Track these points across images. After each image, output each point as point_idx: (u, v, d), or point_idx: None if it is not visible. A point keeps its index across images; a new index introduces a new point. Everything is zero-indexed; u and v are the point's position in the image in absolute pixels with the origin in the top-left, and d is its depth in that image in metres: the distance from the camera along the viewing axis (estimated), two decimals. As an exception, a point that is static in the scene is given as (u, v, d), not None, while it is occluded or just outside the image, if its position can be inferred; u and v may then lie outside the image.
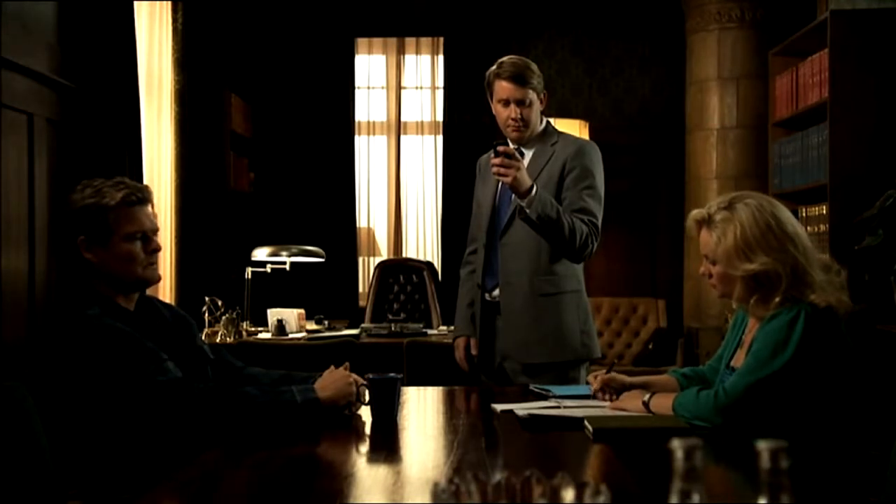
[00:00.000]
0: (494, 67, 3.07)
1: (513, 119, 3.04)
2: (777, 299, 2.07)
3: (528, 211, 2.84)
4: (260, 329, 4.59)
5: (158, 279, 2.25)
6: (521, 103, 3.03)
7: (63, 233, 2.13)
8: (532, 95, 3.04)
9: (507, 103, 3.04)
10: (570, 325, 3.03)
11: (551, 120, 3.25)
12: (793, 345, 1.99)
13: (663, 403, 2.14)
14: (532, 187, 2.86)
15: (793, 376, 1.99)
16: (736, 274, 2.10)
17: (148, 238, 2.19)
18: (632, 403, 2.22)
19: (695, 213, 2.21)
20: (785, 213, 2.13)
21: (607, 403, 2.31)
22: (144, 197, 2.20)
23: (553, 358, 3.00)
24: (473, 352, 3.19)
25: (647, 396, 2.19)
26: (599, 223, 3.01)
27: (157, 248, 2.21)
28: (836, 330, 2.05)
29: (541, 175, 3.02)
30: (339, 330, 4.65)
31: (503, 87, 3.03)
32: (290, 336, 4.36)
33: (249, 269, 4.74)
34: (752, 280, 2.09)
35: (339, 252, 6.32)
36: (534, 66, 3.07)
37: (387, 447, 2.03)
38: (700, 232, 2.19)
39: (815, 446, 2.00)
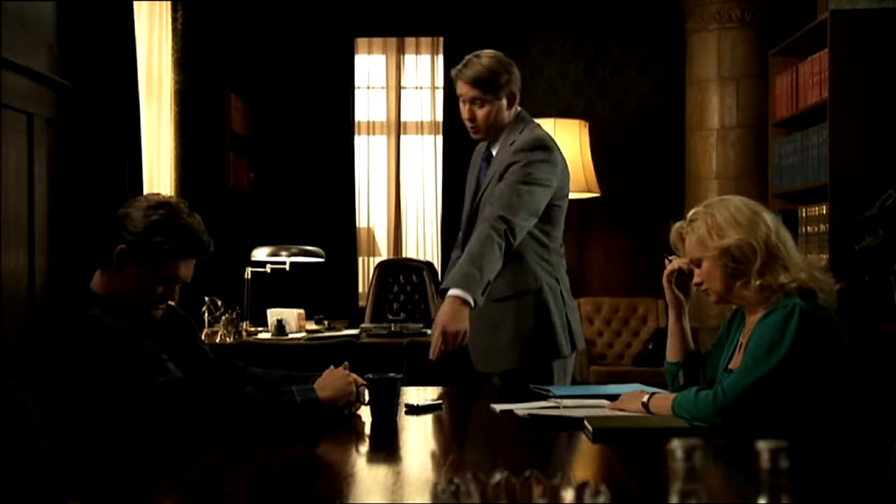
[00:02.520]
0: (459, 66, 2.90)
1: (466, 119, 2.91)
2: (756, 282, 2.09)
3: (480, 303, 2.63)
4: (260, 329, 4.59)
5: (157, 320, 2.21)
6: (473, 102, 2.87)
7: (105, 226, 2.09)
8: (489, 96, 2.84)
9: (463, 101, 2.91)
10: (527, 327, 2.86)
11: (550, 120, 3.22)
12: (788, 341, 2.00)
13: (663, 404, 2.14)
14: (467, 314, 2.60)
15: (790, 373, 2.00)
16: (712, 255, 2.14)
17: (173, 286, 2.16)
18: (631, 404, 2.22)
19: (675, 227, 2.27)
20: (756, 204, 2.20)
21: (607, 403, 2.31)
22: (199, 254, 2.17)
23: (513, 364, 2.86)
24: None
25: (646, 397, 2.19)
26: (517, 219, 2.72)
27: (172, 298, 2.19)
28: (831, 326, 2.06)
29: (492, 180, 2.86)
30: (339, 330, 4.65)
31: (459, 87, 2.89)
32: (290, 336, 4.35)
33: (249, 269, 4.74)
34: (729, 259, 2.13)
35: (338, 252, 6.32)
36: (497, 66, 2.84)
37: (387, 447, 2.03)
38: (684, 242, 2.24)
39: (815, 446, 2.01)
